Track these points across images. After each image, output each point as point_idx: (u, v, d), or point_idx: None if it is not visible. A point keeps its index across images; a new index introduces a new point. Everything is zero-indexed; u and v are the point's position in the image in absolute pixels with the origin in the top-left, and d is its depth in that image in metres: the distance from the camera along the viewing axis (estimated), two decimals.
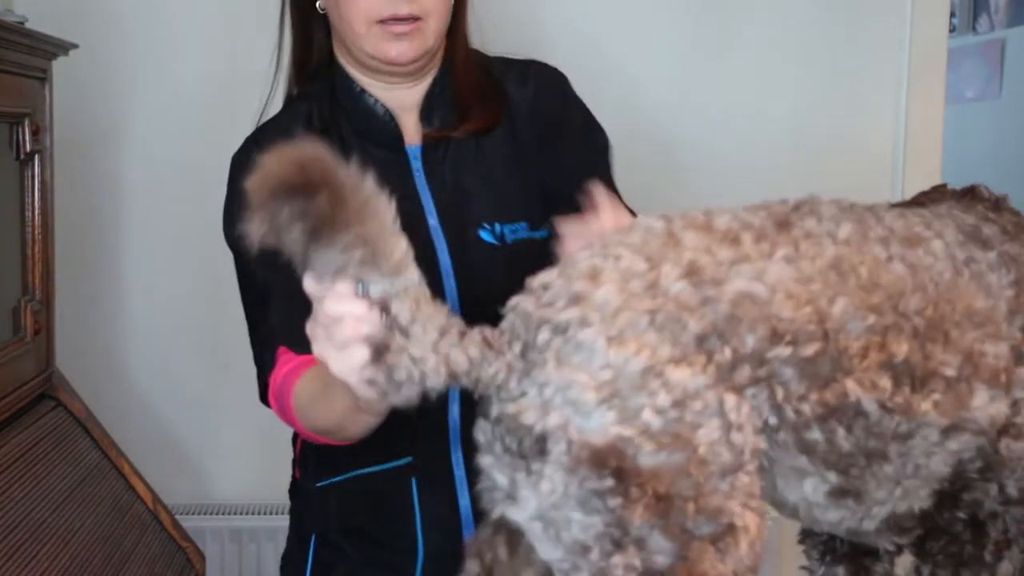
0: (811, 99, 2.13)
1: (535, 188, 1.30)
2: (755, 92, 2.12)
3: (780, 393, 0.88)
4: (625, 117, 2.12)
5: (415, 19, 1.23)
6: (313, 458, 1.37)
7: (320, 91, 1.32)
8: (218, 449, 2.12)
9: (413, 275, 0.89)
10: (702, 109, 2.13)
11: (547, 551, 0.87)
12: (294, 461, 1.45)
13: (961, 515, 1.03)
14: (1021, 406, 0.99)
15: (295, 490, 1.43)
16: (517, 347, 0.87)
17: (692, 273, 0.87)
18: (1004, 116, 3.61)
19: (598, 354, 0.83)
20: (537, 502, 0.86)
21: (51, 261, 1.56)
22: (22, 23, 1.44)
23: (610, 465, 0.83)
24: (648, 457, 0.82)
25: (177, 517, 1.67)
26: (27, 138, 1.47)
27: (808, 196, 0.99)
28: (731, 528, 0.85)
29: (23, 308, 1.49)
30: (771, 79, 2.12)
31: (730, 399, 0.85)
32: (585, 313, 0.85)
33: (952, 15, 3.33)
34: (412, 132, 1.31)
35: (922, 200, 1.18)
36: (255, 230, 0.85)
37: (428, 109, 1.31)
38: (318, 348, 0.93)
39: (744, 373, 0.87)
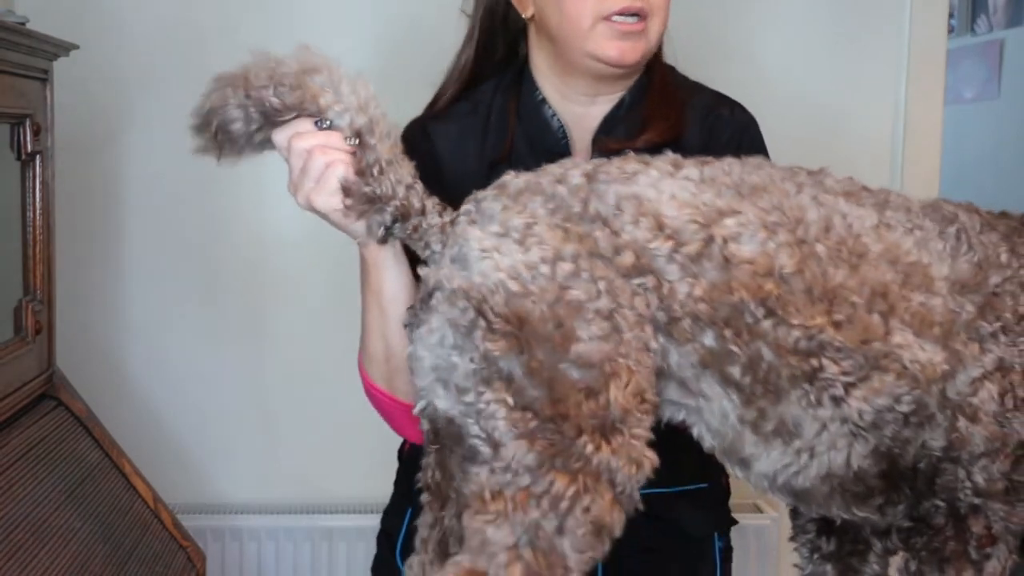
0: (810, 99, 2.13)
1: None
2: (754, 91, 2.12)
3: (666, 287, 0.96)
4: None
5: (641, 19, 1.21)
6: None
7: (506, 86, 1.33)
8: (218, 448, 2.13)
9: (383, 118, 1.03)
10: None
11: (443, 403, 0.96)
12: None
13: (939, 504, 1.03)
14: (978, 387, 0.99)
15: (402, 454, 1.45)
16: (450, 216, 1.02)
17: (593, 173, 1.00)
18: (1003, 117, 3.61)
19: (494, 218, 0.97)
20: (430, 359, 0.96)
21: (52, 261, 1.56)
22: (23, 24, 1.44)
23: (473, 299, 0.94)
24: (516, 299, 0.93)
25: (178, 516, 1.67)
26: (28, 138, 1.48)
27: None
28: (603, 374, 0.93)
29: (24, 308, 1.49)
30: (770, 79, 2.12)
31: (600, 270, 0.95)
32: (499, 191, 1.00)
33: (951, 16, 3.33)
34: (582, 152, 1.30)
35: None
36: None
37: (605, 131, 1.29)
38: (301, 196, 1.06)
39: (627, 259, 0.96)
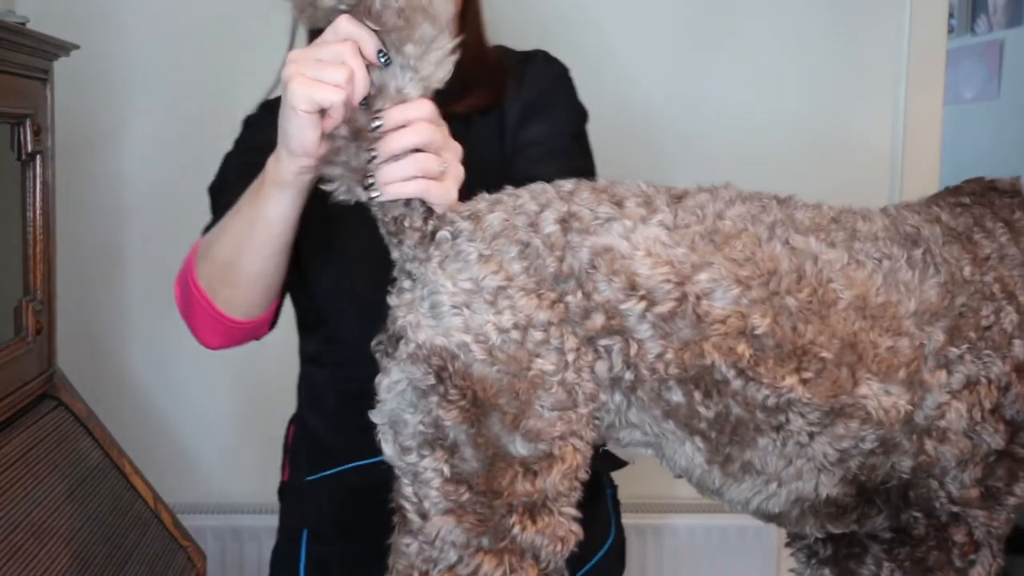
0: (810, 99, 2.14)
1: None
2: (754, 92, 2.13)
3: (634, 348, 0.93)
4: (623, 115, 2.13)
5: None
6: (305, 454, 1.39)
7: None
8: (219, 448, 2.13)
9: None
10: (701, 109, 2.14)
11: (388, 451, 0.96)
12: (287, 462, 1.47)
13: (917, 515, 1.03)
14: (945, 409, 0.99)
15: (283, 490, 1.44)
16: (432, 226, 0.96)
17: (567, 220, 0.95)
18: (1002, 117, 3.61)
19: (469, 266, 0.93)
20: (390, 404, 0.94)
21: (52, 261, 1.56)
22: (24, 24, 1.44)
23: (434, 364, 0.91)
24: (479, 366, 0.91)
25: (178, 516, 1.67)
26: (28, 139, 1.47)
27: (725, 183, 1.04)
28: (548, 455, 0.92)
29: (24, 308, 1.49)
30: (770, 79, 2.13)
31: (571, 341, 0.93)
32: (475, 228, 0.95)
33: (950, 16, 3.33)
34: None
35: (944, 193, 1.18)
36: None
37: None
38: (290, 68, 0.95)
39: (597, 321, 0.93)
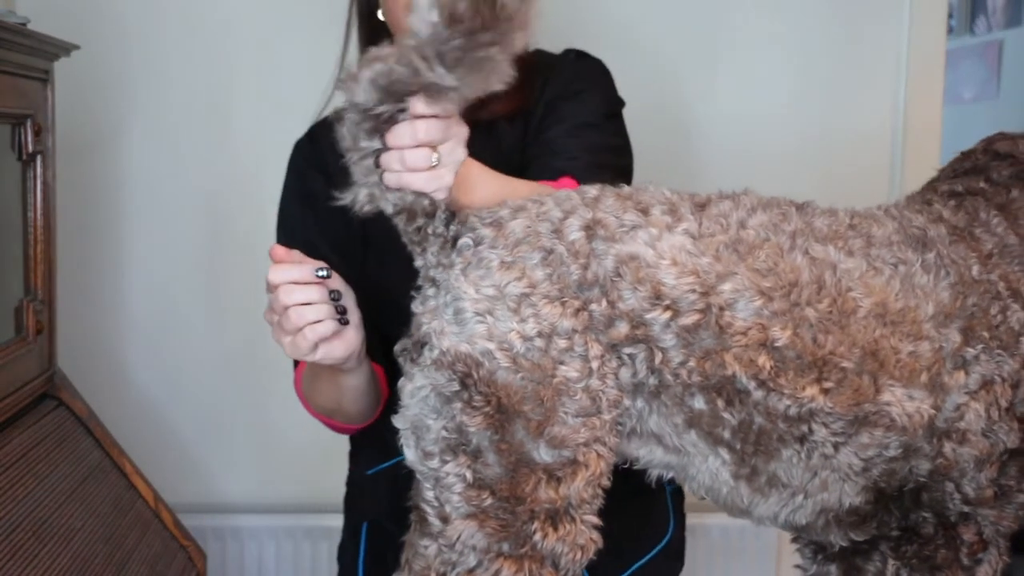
0: (810, 99, 2.14)
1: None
2: (754, 92, 2.13)
3: (658, 356, 0.94)
4: (629, 115, 2.13)
5: None
6: (365, 446, 1.42)
7: None
8: (219, 448, 2.13)
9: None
10: (701, 109, 2.14)
11: (410, 455, 0.97)
12: (349, 455, 1.50)
13: (927, 515, 1.03)
14: (964, 410, 0.99)
15: (349, 482, 1.48)
16: (454, 231, 0.98)
17: (592, 227, 0.95)
18: (1002, 117, 3.61)
19: (491, 273, 0.93)
20: (413, 409, 0.96)
21: (53, 261, 1.56)
22: (24, 24, 1.44)
23: (459, 371, 0.92)
24: (504, 373, 0.91)
25: (178, 516, 1.68)
26: (29, 139, 1.47)
27: (744, 189, 1.04)
28: (572, 462, 0.92)
29: (25, 308, 1.49)
30: (770, 79, 2.13)
31: (596, 348, 0.93)
32: (496, 235, 0.95)
33: (950, 16, 3.33)
34: None
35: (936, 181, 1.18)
36: None
37: None
38: (274, 334, 1.09)
39: (622, 329, 0.93)
